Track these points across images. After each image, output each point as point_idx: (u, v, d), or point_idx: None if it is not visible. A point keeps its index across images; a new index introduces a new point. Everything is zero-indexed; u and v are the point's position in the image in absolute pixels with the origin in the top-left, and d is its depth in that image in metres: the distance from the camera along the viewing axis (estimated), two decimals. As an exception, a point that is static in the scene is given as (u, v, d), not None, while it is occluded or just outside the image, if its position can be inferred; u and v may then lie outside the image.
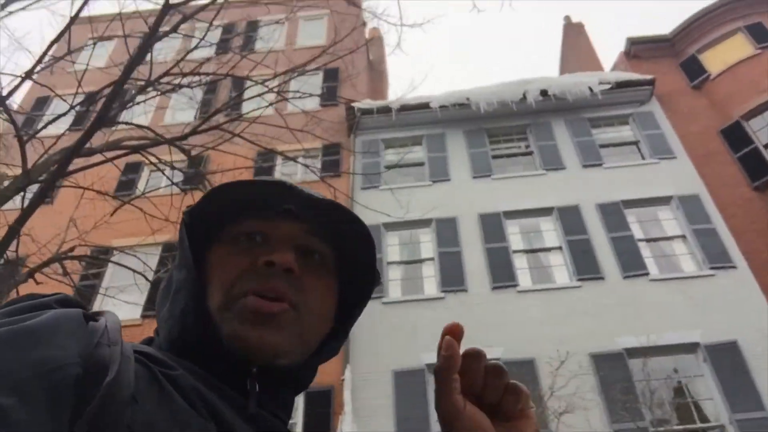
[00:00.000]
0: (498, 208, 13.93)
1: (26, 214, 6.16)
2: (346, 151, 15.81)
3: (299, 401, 11.37)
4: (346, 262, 0.87)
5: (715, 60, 15.87)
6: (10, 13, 8.19)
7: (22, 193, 6.62)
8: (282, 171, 16.35)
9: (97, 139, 8.06)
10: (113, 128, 9.06)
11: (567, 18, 23.07)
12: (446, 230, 13.68)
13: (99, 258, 10.45)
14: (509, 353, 11.36)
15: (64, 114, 6.84)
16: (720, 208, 13.15)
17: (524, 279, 12.89)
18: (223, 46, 20.37)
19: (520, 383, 0.70)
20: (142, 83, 8.97)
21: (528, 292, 12.47)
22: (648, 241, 13.14)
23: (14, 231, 6.13)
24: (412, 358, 11.47)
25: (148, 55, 6.79)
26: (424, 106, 15.87)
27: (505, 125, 15.89)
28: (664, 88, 15.86)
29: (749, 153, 13.88)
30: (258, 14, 21.45)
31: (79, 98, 8.01)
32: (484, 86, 16.02)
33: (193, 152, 10.39)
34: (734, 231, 12.70)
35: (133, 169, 16.76)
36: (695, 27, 16.58)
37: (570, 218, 13.51)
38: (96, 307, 12.41)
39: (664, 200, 13.70)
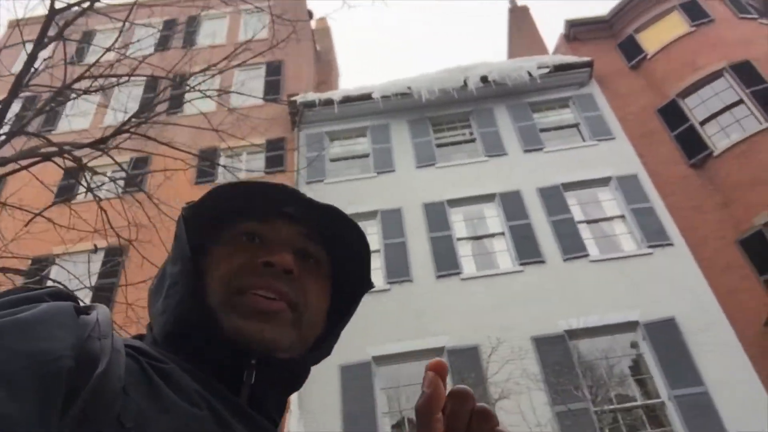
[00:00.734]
0: (442, 196, 13.96)
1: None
2: (291, 146, 15.71)
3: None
4: (339, 266, 0.89)
5: (652, 39, 16.03)
6: None
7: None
8: (223, 170, 16.15)
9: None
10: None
11: (512, 1, 23.12)
12: (391, 221, 13.67)
13: (30, 270, 10.23)
14: (453, 341, 11.44)
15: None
16: (658, 186, 13.34)
17: (469, 266, 12.96)
18: (163, 43, 20.06)
19: (507, 429, 0.67)
20: (56, 89, 8.79)
21: (472, 279, 12.53)
22: (588, 222, 13.29)
23: None
24: (358, 351, 11.47)
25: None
26: (367, 97, 15.79)
27: (448, 113, 15.90)
28: (603, 70, 16.00)
29: (685, 131, 14.08)
30: (199, 9, 21.10)
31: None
32: (425, 74, 15.98)
33: (120, 155, 10.23)
34: (671, 209, 12.90)
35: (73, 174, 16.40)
36: (632, 7, 16.73)
37: (512, 203, 13.60)
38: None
39: (603, 181, 13.86)
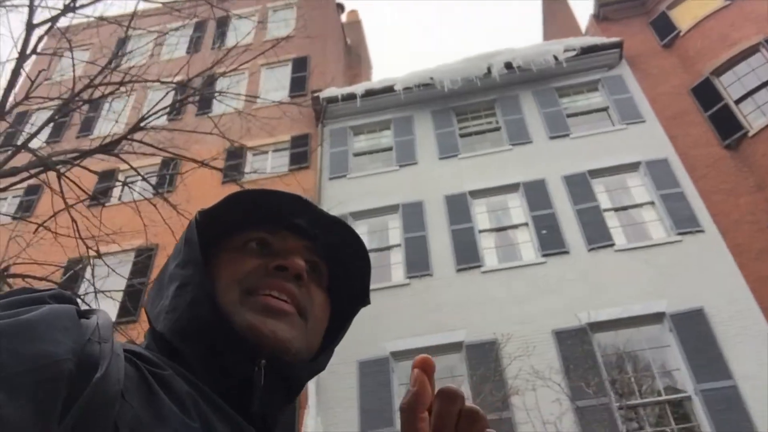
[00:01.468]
0: (464, 188, 13.73)
1: None
2: (315, 142, 15.74)
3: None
4: (338, 281, 0.90)
5: (686, 16, 15.31)
6: None
7: None
8: (253, 166, 16.34)
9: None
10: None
11: (547, -17, 22.51)
12: (412, 215, 13.55)
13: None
14: (471, 335, 11.27)
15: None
16: (689, 170, 12.77)
17: (490, 259, 12.72)
18: (195, 45, 20.40)
19: None
20: (62, 101, 9.05)
21: (492, 272, 12.30)
22: (616, 210, 12.83)
23: None
24: (376, 347, 11.44)
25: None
26: (389, 89, 15.66)
27: (472, 102, 15.62)
28: (634, 50, 15.40)
29: (720, 111, 13.40)
30: (229, 8, 21.35)
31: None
32: (448, 63, 15.72)
33: (139, 159, 10.45)
34: (703, 193, 12.33)
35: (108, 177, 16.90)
36: (664, -18, 16.02)
37: (536, 193, 13.26)
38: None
39: (632, 167, 13.35)
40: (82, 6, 7.84)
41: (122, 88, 9.47)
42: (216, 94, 9.78)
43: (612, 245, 12.08)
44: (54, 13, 7.21)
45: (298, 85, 17.80)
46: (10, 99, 7.01)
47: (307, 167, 15.17)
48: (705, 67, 14.13)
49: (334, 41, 20.83)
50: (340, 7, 24.41)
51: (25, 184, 11.51)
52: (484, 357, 10.92)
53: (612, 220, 12.67)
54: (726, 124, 13.15)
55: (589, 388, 10.18)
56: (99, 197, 15.46)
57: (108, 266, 7.96)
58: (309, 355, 0.82)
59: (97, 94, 8.89)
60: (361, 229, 13.94)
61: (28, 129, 11.75)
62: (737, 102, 13.36)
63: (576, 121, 14.71)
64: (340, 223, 0.88)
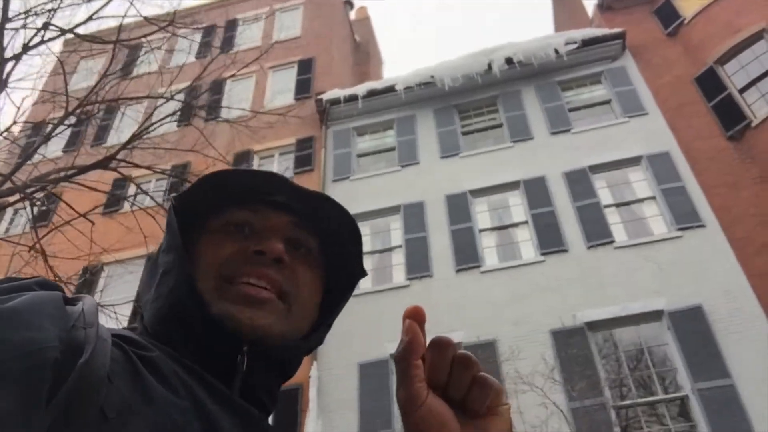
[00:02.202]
0: (464, 187, 13.72)
1: None
2: (319, 144, 15.86)
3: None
4: (332, 254, 0.90)
5: (690, 3, 14.97)
6: None
7: None
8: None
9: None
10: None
11: (555, -29, 22.18)
12: (413, 215, 13.59)
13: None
14: (470, 336, 11.30)
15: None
16: (691, 163, 12.55)
17: (490, 258, 12.72)
18: (204, 49, 20.64)
19: (491, 377, 0.66)
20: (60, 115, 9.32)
21: (491, 272, 12.29)
22: (618, 206, 12.70)
23: None
24: (377, 348, 11.55)
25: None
26: (391, 89, 15.67)
27: (474, 99, 15.54)
28: (638, 40, 15.13)
29: (723, 100, 13.13)
30: (237, 12, 21.54)
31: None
32: (449, 60, 15.66)
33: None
34: (705, 187, 12.12)
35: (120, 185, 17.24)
36: (668, -31, 15.68)
37: (536, 190, 13.19)
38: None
39: (633, 161, 13.17)
40: (60, 33, 8.03)
41: (119, 103, 9.73)
42: (199, 109, 9.84)
43: (612, 242, 11.98)
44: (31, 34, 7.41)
45: (303, 87, 17.91)
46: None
47: (311, 170, 15.30)
48: (709, 55, 13.84)
49: (341, 40, 20.87)
50: (349, 4, 24.40)
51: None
52: (483, 357, 10.95)
53: (613, 216, 12.55)
54: (729, 115, 12.89)
55: (586, 388, 10.17)
56: (101, 210, 15.86)
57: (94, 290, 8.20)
58: (298, 334, 0.81)
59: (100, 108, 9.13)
60: (364, 231, 13.95)
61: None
62: (741, 91, 13.07)
63: (579, 114, 14.55)
64: (321, 196, 0.86)
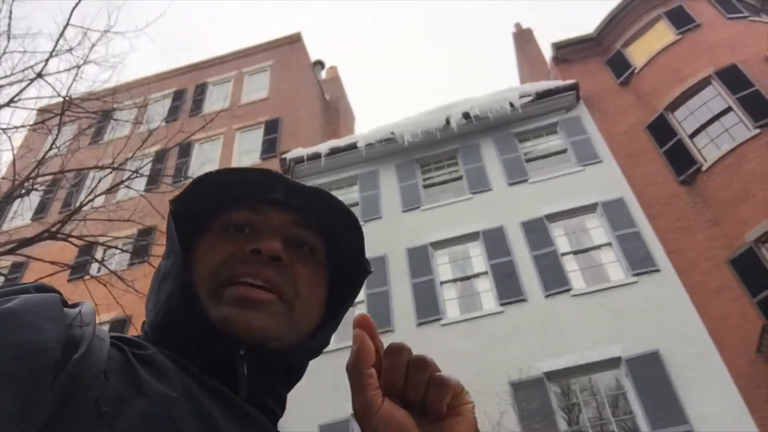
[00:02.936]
0: (425, 239, 13.80)
1: None
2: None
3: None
4: (336, 252, 0.87)
5: (641, 52, 15.40)
6: None
7: None
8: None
9: None
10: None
11: (517, 25, 22.80)
12: (376, 269, 13.59)
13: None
14: (430, 392, 11.15)
15: None
16: (645, 208, 12.69)
17: (452, 310, 12.70)
18: (173, 113, 20.96)
19: (449, 377, 0.65)
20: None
21: (452, 324, 12.26)
22: (575, 253, 12.77)
23: None
24: (337, 409, 11.38)
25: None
26: (353, 146, 15.90)
27: (434, 153, 15.77)
28: (592, 89, 15.48)
29: (674, 146, 13.36)
30: (207, 76, 21.94)
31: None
32: (409, 117, 15.96)
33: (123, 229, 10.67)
34: (659, 231, 12.22)
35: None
36: (618, 20, 16.15)
37: (494, 241, 13.26)
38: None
39: (589, 208, 13.30)
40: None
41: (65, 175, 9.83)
42: (136, 174, 9.98)
43: (569, 290, 11.99)
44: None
45: (269, 146, 18.15)
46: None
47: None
48: (659, 102, 14.15)
49: (309, 100, 21.26)
50: (320, 64, 24.91)
51: None
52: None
53: (570, 264, 12.60)
54: (681, 160, 13.10)
55: (545, 441, 10.02)
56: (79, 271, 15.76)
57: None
58: (298, 334, 0.78)
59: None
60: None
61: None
62: (691, 136, 13.32)
63: (536, 165, 14.75)
64: (322, 192, 0.83)
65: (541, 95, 15.22)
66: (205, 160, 17.86)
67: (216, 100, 20.81)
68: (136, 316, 13.84)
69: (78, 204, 9.68)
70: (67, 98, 8.35)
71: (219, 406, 0.65)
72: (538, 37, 21.34)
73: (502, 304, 12.20)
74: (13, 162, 9.41)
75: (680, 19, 15.03)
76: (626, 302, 11.50)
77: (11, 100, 7.80)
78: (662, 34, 15.17)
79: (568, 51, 16.65)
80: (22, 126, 11.01)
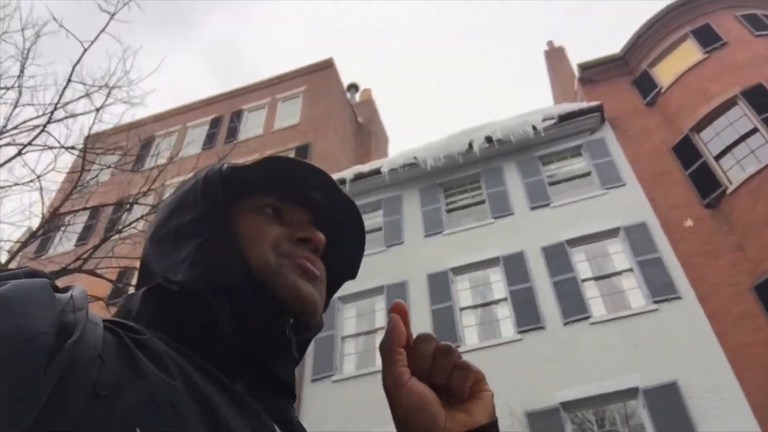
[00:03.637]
0: (446, 265, 13.81)
1: None
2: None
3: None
4: (330, 253, 0.90)
5: (667, 72, 15.12)
6: None
7: None
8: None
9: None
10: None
11: (549, 43, 22.67)
12: (396, 295, 13.65)
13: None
14: (446, 421, 11.14)
15: None
16: (668, 233, 12.42)
17: (470, 337, 12.67)
18: (209, 142, 21.56)
19: (472, 363, 0.73)
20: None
21: (472, 352, 12.19)
22: (596, 279, 12.57)
23: None
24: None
25: None
26: (377, 172, 16.07)
27: (457, 177, 15.78)
28: (618, 110, 15.26)
29: (700, 168, 13.05)
30: (243, 103, 22.50)
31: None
32: (431, 141, 16.05)
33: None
34: (682, 257, 11.94)
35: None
36: (644, 40, 15.90)
37: (515, 266, 13.18)
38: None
39: (611, 233, 13.09)
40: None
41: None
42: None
43: (588, 318, 11.82)
44: None
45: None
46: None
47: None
48: (685, 123, 13.86)
49: (340, 124, 21.55)
50: (354, 87, 25.22)
51: None
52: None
53: (591, 290, 12.41)
54: (706, 182, 12.78)
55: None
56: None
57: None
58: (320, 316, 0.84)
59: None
60: (349, 312, 14.19)
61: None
62: (717, 158, 13.00)
63: (560, 188, 14.61)
64: (352, 205, 0.90)
65: (564, 117, 15.08)
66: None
67: (251, 126, 21.33)
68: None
69: (100, 240, 10.11)
70: (78, 148, 8.79)
71: (219, 395, 0.65)
72: (570, 56, 21.11)
73: (520, 332, 12.11)
74: (41, 201, 9.89)
75: (707, 38, 14.72)
76: (645, 331, 11.27)
77: (19, 152, 8.25)
78: (689, 53, 14.87)
79: (593, 72, 16.47)
80: (52, 170, 11.60)
